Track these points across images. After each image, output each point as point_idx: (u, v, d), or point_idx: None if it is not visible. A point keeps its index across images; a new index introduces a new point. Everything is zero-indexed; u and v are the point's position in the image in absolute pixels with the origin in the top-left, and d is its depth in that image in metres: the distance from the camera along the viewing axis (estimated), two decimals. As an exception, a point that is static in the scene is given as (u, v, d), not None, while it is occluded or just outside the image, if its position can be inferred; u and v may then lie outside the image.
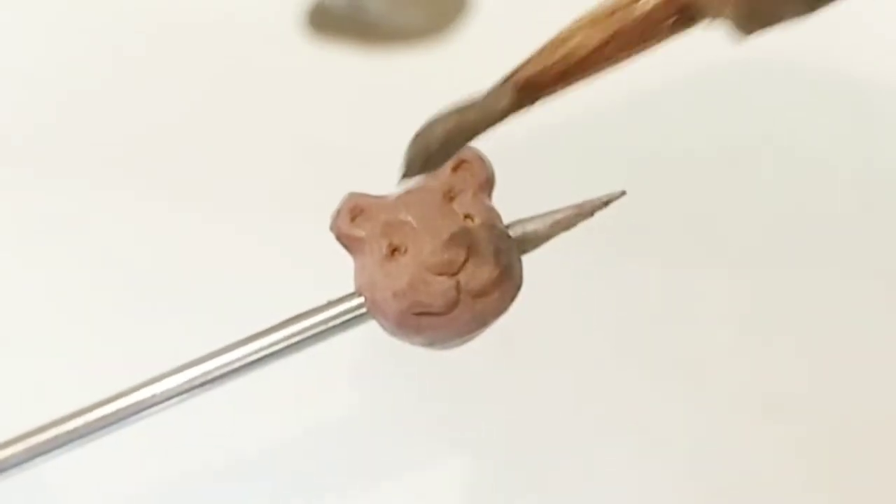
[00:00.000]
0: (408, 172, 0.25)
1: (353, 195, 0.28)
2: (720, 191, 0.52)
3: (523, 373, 0.46)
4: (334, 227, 0.27)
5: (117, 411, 0.28)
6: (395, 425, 0.44)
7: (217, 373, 0.28)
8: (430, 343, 0.27)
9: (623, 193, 0.27)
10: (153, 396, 0.28)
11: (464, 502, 0.42)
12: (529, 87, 0.25)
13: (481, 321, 0.27)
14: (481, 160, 0.28)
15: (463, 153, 0.27)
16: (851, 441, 0.43)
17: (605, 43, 0.25)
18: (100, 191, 0.54)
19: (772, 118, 0.55)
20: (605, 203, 0.27)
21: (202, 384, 0.28)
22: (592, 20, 0.25)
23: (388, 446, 0.44)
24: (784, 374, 0.45)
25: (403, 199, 0.27)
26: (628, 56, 0.25)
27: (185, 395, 0.28)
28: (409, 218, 0.27)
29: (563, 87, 0.25)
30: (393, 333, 0.27)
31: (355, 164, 0.52)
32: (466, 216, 0.27)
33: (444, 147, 0.25)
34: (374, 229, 0.27)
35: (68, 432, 0.28)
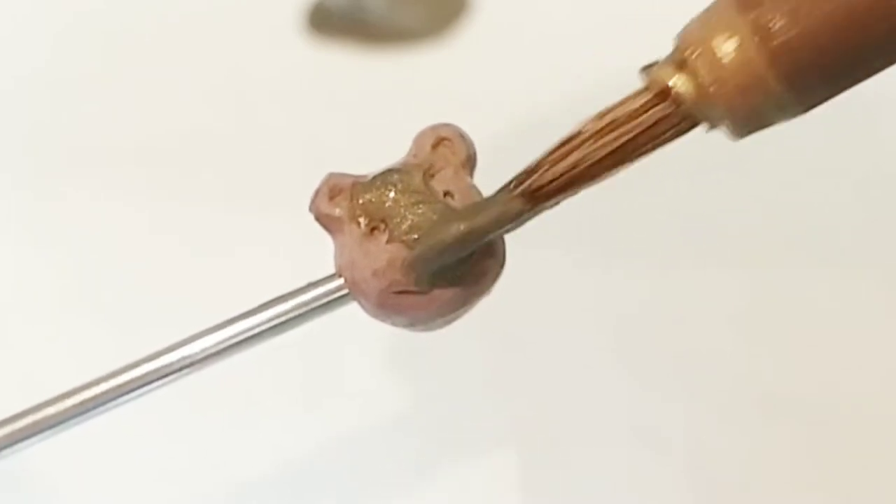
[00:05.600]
0: (418, 279, 0.26)
1: (332, 175, 0.27)
2: (720, 191, 0.52)
3: (522, 372, 0.46)
4: (313, 207, 0.27)
5: (94, 397, 0.28)
6: (395, 425, 0.44)
7: (197, 357, 0.28)
8: (412, 323, 0.27)
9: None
10: (131, 381, 0.28)
11: (463, 501, 0.42)
12: (536, 194, 0.26)
13: (463, 300, 0.27)
14: (462, 138, 0.27)
15: (443, 131, 0.27)
16: (851, 441, 0.43)
17: (612, 153, 0.26)
18: (99, 186, 0.54)
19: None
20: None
21: (181, 368, 0.28)
22: (599, 130, 0.26)
23: (387, 446, 0.43)
24: (784, 374, 0.45)
25: (383, 177, 0.27)
26: (632, 162, 0.26)
27: (164, 380, 0.28)
28: (389, 196, 0.27)
29: (569, 194, 0.26)
30: (374, 315, 0.27)
31: (355, 163, 0.52)
32: (446, 193, 0.27)
33: (453, 250, 0.26)
34: (353, 208, 0.27)
35: (46, 418, 0.28)
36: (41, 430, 0.28)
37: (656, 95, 0.26)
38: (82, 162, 0.55)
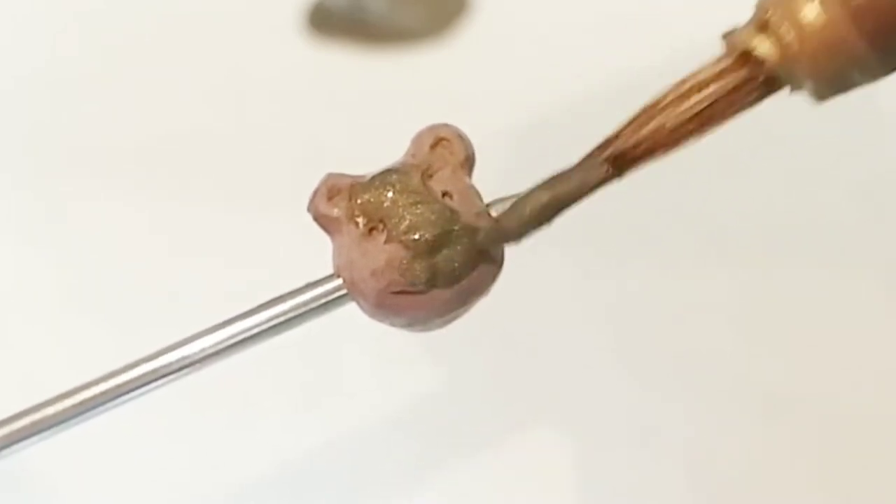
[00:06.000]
0: (507, 237, 0.27)
1: (330, 175, 0.27)
2: (720, 191, 0.52)
3: (521, 373, 0.46)
4: (311, 208, 0.27)
5: (94, 396, 0.28)
6: (394, 426, 0.44)
7: (196, 357, 0.28)
8: (411, 324, 0.27)
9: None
10: (130, 381, 0.28)
11: (463, 502, 0.42)
12: (620, 160, 0.26)
13: (462, 300, 0.27)
14: (460, 138, 0.27)
15: (441, 131, 0.27)
16: (851, 441, 0.43)
17: (693, 118, 0.26)
18: (99, 186, 0.54)
19: (772, 117, 0.54)
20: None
21: (180, 368, 0.28)
22: (680, 96, 0.26)
23: (386, 447, 0.43)
24: (784, 374, 0.45)
25: (381, 177, 0.27)
26: (714, 128, 0.26)
27: (164, 380, 0.28)
28: (387, 196, 0.27)
29: (651, 159, 0.26)
30: (372, 315, 0.27)
31: (354, 163, 0.52)
32: (444, 194, 0.27)
33: (538, 220, 0.27)
34: (351, 209, 0.27)
35: (45, 418, 0.28)
36: (41, 430, 0.28)
37: (738, 59, 0.26)
38: (82, 162, 0.55)
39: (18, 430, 0.28)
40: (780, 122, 0.55)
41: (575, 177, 0.26)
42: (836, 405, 0.44)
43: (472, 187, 0.27)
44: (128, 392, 0.28)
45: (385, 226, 0.26)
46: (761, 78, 0.26)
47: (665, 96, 0.26)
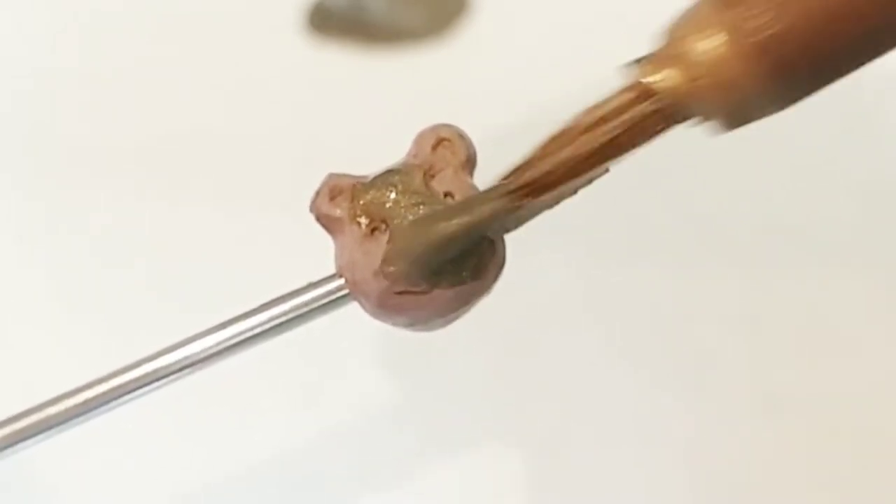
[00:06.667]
0: (413, 279, 0.26)
1: (332, 175, 0.27)
2: (720, 191, 0.52)
3: (522, 373, 0.46)
4: (314, 208, 0.27)
5: (95, 397, 0.28)
6: (395, 426, 0.44)
7: (197, 357, 0.28)
8: (412, 323, 0.27)
9: (606, 170, 0.27)
10: (131, 382, 0.28)
11: (462, 501, 0.42)
12: (529, 189, 0.26)
13: (463, 300, 0.27)
14: (462, 138, 0.27)
15: (443, 131, 0.27)
16: (851, 441, 0.43)
17: (602, 147, 0.26)
18: (99, 186, 0.54)
19: (772, 117, 0.54)
20: (589, 181, 0.27)
21: (182, 368, 0.28)
22: (588, 126, 0.26)
23: (386, 446, 0.43)
24: (784, 374, 0.45)
25: (383, 178, 0.27)
26: (624, 155, 0.27)
27: (165, 380, 0.28)
28: (389, 196, 0.27)
29: (562, 189, 0.27)
30: (375, 315, 0.27)
31: (355, 164, 0.52)
32: (447, 194, 0.27)
33: (446, 248, 0.26)
34: (353, 209, 0.27)
35: (46, 418, 0.28)
36: (41, 431, 0.28)
37: (640, 92, 0.26)
38: (82, 162, 0.55)
39: (19, 431, 0.28)
40: (780, 122, 0.55)
41: (486, 206, 0.26)
42: (836, 405, 0.44)
43: (474, 187, 0.27)
44: (129, 392, 0.28)
45: (387, 226, 0.26)
46: (665, 110, 0.26)
47: (573, 126, 0.27)
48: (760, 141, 0.53)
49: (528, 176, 0.26)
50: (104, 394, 0.28)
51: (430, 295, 0.26)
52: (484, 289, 0.27)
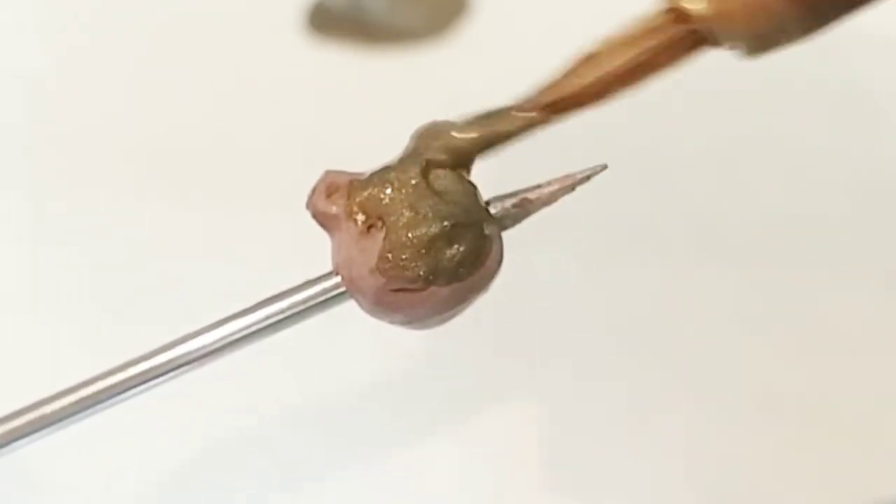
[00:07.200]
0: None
1: (329, 173, 0.27)
2: (720, 191, 0.52)
3: (520, 371, 0.45)
4: (310, 205, 0.27)
5: (92, 394, 0.28)
6: (394, 425, 0.44)
7: (195, 354, 0.28)
8: (409, 321, 0.27)
9: (605, 167, 0.27)
10: (128, 379, 0.28)
11: (461, 501, 0.42)
12: (554, 108, 0.27)
13: (460, 297, 0.27)
14: None
15: None
16: (851, 441, 0.43)
17: (628, 71, 0.27)
18: (99, 186, 0.54)
19: (772, 117, 0.54)
20: (587, 177, 0.27)
21: (179, 366, 0.28)
22: (615, 47, 0.27)
23: (386, 446, 0.43)
24: (784, 374, 0.45)
25: (380, 175, 0.27)
26: (646, 80, 0.27)
27: (162, 378, 0.28)
28: (386, 193, 0.27)
29: (585, 108, 0.27)
30: (371, 312, 0.27)
31: (355, 163, 0.52)
32: (443, 192, 0.27)
33: (464, 156, 0.27)
34: (350, 206, 0.27)
35: (44, 416, 0.28)
36: (40, 428, 0.28)
37: (673, 14, 0.27)
38: (82, 162, 0.55)
39: (17, 428, 0.28)
40: (780, 122, 0.55)
41: (507, 118, 0.27)
42: (836, 405, 0.43)
43: (472, 185, 0.27)
44: (127, 389, 0.28)
45: (384, 223, 0.26)
46: (694, 34, 0.27)
47: (601, 49, 0.27)
48: (760, 141, 0.54)
49: (556, 93, 0.27)
50: (102, 391, 0.28)
51: (427, 292, 0.26)
52: (481, 287, 0.27)
